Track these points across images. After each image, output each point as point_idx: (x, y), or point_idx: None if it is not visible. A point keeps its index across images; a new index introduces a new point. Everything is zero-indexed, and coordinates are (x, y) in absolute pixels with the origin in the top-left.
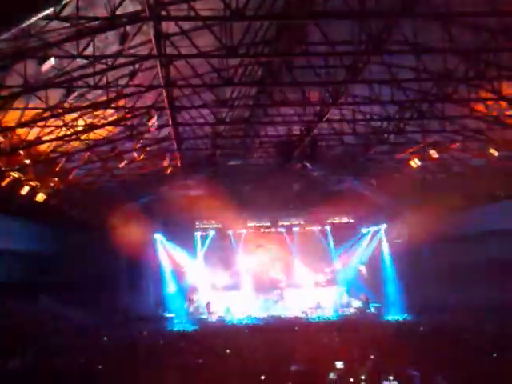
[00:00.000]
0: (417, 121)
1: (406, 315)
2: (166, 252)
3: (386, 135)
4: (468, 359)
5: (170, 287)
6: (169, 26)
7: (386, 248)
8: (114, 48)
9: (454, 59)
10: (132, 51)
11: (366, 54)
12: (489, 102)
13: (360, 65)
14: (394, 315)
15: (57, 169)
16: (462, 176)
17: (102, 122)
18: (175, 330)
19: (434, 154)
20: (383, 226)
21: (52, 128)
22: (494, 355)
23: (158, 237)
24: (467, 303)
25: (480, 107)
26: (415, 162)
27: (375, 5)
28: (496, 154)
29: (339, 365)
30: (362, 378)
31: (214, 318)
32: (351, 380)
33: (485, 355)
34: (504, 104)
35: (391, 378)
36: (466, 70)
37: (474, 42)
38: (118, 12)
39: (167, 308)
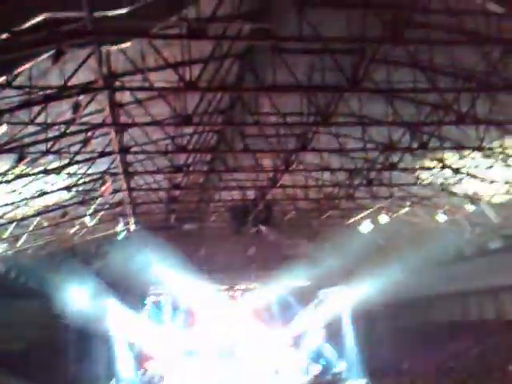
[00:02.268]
0: (366, 187)
1: (366, 380)
2: (119, 318)
3: (337, 201)
4: None
5: (122, 356)
6: (123, 95)
7: (343, 311)
8: (68, 115)
9: (399, 130)
10: (86, 119)
11: (314, 125)
12: (434, 170)
13: (309, 135)
14: (355, 380)
15: (5, 235)
16: (413, 240)
17: (53, 188)
18: None
19: (383, 218)
20: (340, 289)
21: (1, 194)
22: None
23: (111, 302)
24: (421, 366)
25: (425, 175)
26: (366, 227)
27: (322, 80)
28: (444, 218)
29: None
30: None
31: None
32: None
33: None
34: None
35: None
36: (410, 141)
37: (416, 114)
38: (71, 81)
39: (119, 378)
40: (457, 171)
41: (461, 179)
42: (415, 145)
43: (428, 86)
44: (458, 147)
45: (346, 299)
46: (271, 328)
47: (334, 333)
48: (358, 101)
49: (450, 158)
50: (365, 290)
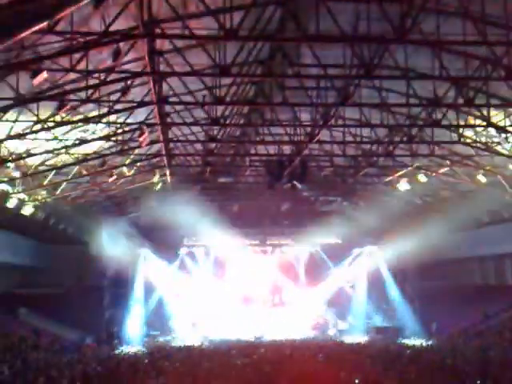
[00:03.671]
0: (406, 145)
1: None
2: (153, 268)
3: (375, 158)
4: None
5: (156, 304)
6: (162, 43)
7: (373, 270)
8: (108, 63)
9: (444, 85)
10: (125, 67)
11: (357, 78)
12: (478, 129)
13: (351, 88)
14: (379, 337)
15: (45, 182)
16: (450, 200)
17: (93, 136)
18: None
19: (421, 177)
20: (371, 248)
21: (42, 141)
22: (478, 382)
23: (146, 252)
24: (449, 327)
25: (469, 133)
26: (403, 186)
27: (367, 30)
28: (484, 180)
29: None
30: None
31: (199, 338)
32: None
33: (467, 381)
34: (493, 131)
35: None
36: (455, 97)
37: (464, 69)
38: (111, 28)
39: (152, 325)
40: (502, 129)
41: (506, 138)
42: (460, 101)
43: (478, 39)
44: (505, 104)
45: (376, 258)
46: (301, 284)
47: (359, 291)
48: (403, 53)
49: (496, 115)
50: (398, 249)
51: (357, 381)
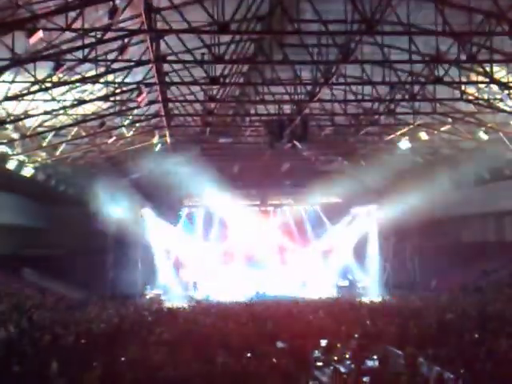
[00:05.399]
0: (407, 102)
1: (390, 295)
2: (154, 228)
3: (376, 116)
4: (450, 339)
5: (158, 264)
6: (159, 0)
7: (374, 229)
8: (104, 21)
9: (447, 41)
10: (122, 25)
11: (358, 34)
12: (480, 86)
13: (352, 45)
14: (380, 294)
15: (44, 144)
16: (451, 158)
17: (91, 97)
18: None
19: (423, 135)
20: (372, 207)
21: (40, 102)
22: (476, 335)
23: (147, 212)
24: (449, 284)
25: (471, 90)
26: (404, 144)
27: None
28: (485, 137)
29: (324, 343)
30: (347, 356)
31: (201, 296)
32: (335, 358)
33: (466, 335)
34: (495, 88)
35: (375, 357)
36: (458, 53)
37: (466, 24)
38: None
39: (155, 284)
40: (505, 86)
41: (508, 94)
42: (463, 57)
43: None
44: (508, 60)
45: (378, 217)
46: (301, 242)
47: (362, 250)
48: (405, 8)
49: (499, 71)
50: (398, 208)
51: (356, 335)
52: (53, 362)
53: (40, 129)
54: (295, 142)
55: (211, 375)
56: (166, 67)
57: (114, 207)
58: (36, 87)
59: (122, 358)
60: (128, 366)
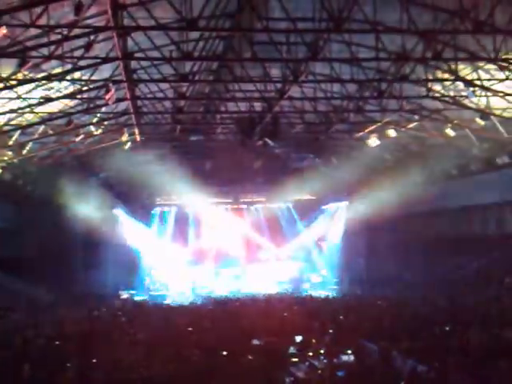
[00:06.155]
0: (375, 100)
1: (363, 290)
2: (126, 227)
3: (345, 114)
4: (423, 332)
5: (130, 263)
6: None
7: (345, 225)
8: (70, 18)
9: (413, 39)
10: (88, 22)
11: (326, 32)
12: (446, 83)
13: (321, 43)
14: (352, 290)
15: (10, 142)
16: (420, 155)
17: (58, 94)
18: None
19: (391, 132)
20: (344, 203)
21: (5, 100)
22: (447, 328)
23: (118, 212)
24: (421, 278)
25: (437, 88)
26: (373, 141)
27: None
28: (452, 133)
29: (299, 339)
30: (321, 351)
31: (174, 295)
32: (310, 354)
33: (438, 328)
34: (461, 85)
35: (349, 351)
36: (423, 51)
37: (432, 22)
38: None
39: (126, 284)
40: (469, 83)
41: (473, 92)
42: (429, 55)
43: None
44: (473, 58)
45: (349, 213)
46: (275, 239)
47: (335, 245)
48: (372, 6)
49: (464, 69)
50: (369, 204)
51: (331, 330)
52: (25, 364)
53: (6, 127)
54: (266, 139)
55: (186, 375)
56: (134, 64)
57: (84, 207)
58: (1, 85)
59: (94, 360)
60: (101, 368)
